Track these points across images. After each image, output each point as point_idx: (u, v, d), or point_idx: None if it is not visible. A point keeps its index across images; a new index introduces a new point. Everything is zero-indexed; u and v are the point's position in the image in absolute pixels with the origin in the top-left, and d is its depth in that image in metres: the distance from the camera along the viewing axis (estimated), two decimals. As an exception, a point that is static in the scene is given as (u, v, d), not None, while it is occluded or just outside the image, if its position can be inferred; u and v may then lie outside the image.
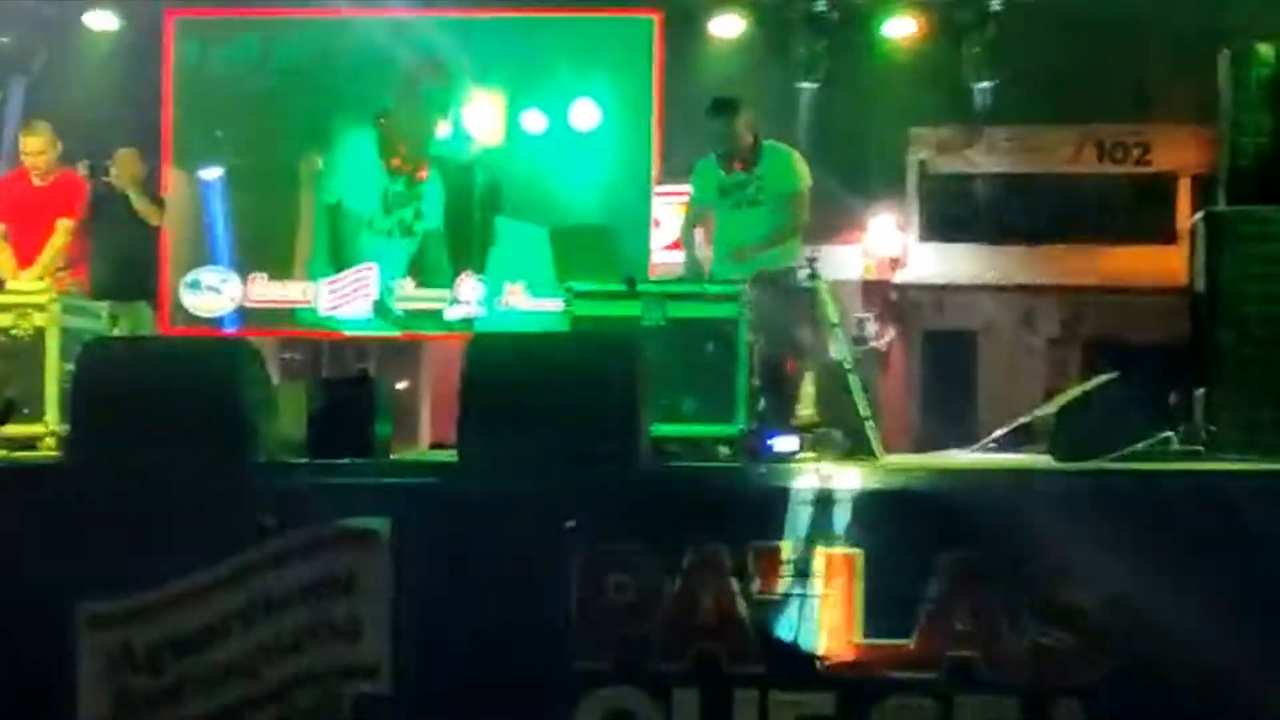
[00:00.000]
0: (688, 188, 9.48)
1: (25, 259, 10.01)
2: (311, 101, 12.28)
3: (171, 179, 12.21)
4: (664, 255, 11.83)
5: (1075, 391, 8.26)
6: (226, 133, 12.32)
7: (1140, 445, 7.50)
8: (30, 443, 8.61)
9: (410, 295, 12.10)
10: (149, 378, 7.24)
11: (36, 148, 10.15)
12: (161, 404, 7.12)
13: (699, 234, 9.41)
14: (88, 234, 10.24)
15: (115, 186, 10.61)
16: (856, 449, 8.41)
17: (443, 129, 12.14)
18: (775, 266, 8.85)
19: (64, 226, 10.00)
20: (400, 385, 13.16)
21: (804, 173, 9.04)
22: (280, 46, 12.39)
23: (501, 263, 11.99)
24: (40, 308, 8.98)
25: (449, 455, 7.38)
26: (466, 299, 12.00)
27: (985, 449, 9.48)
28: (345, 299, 12.12)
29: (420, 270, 12.10)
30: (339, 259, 12.19)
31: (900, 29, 12.15)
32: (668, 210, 12.33)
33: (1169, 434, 7.78)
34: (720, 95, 9.23)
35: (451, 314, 12.04)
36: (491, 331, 11.07)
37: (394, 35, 12.23)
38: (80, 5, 12.46)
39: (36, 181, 10.13)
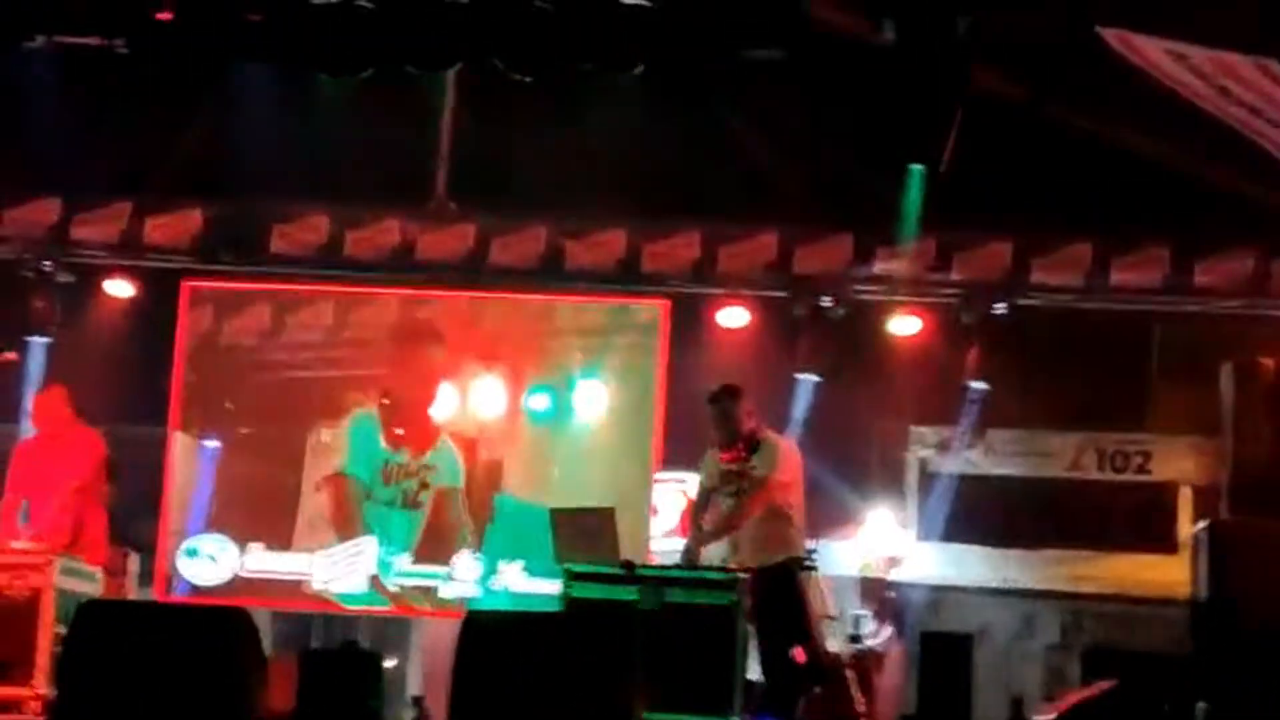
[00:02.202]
0: (688, 474, 9.53)
1: (35, 519, 9.93)
2: (320, 374, 12.39)
3: (177, 445, 12.26)
4: (662, 542, 11.82)
5: (1074, 699, 8.19)
6: (235, 401, 12.41)
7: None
8: (16, 705, 8.50)
9: (406, 571, 12.06)
10: (143, 644, 7.19)
11: (47, 407, 10.19)
12: (154, 671, 7.07)
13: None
14: (99, 496, 10.20)
15: None
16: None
17: (449, 404, 12.21)
18: (775, 558, 8.84)
19: (68, 484, 9.96)
20: (389, 662, 13.02)
21: (783, 463, 9.08)
22: (292, 319, 12.55)
23: (499, 541, 11.97)
24: (37, 568, 8.95)
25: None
26: (462, 576, 11.95)
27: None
28: (342, 572, 12.06)
29: (424, 541, 12.04)
30: (340, 529, 12.16)
31: (905, 327, 12.29)
32: (667, 496, 12.35)
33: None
34: (723, 384, 9.35)
35: (446, 591, 11.98)
36: (487, 610, 11.00)
37: (403, 311, 12.42)
38: (100, 271, 12.64)
39: (50, 442, 10.12)
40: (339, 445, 12.29)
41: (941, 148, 8.53)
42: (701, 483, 9.43)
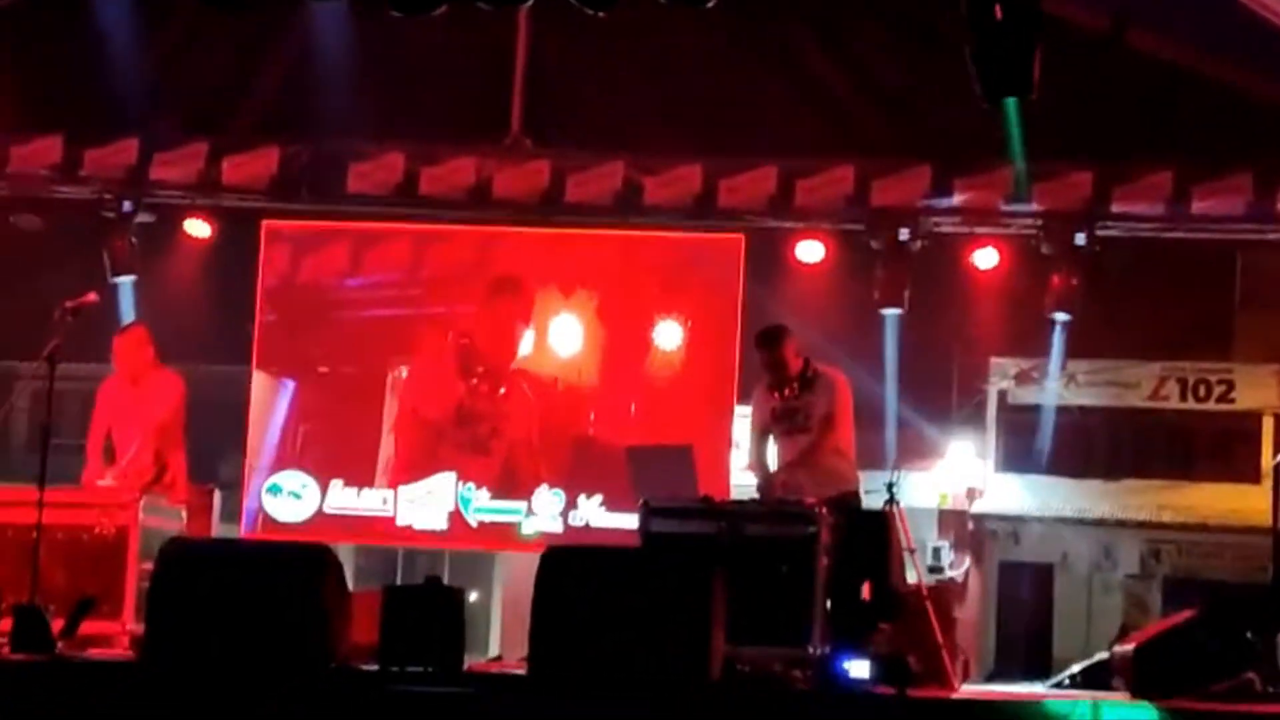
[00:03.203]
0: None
1: (120, 458, 10.07)
2: (397, 312, 12.44)
3: (257, 383, 12.37)
4: (742, 476, 11.83)
5: (1155, 629, 8.16)
6: (313, 340, 12.49)
7: (1221, 685, 7.37)
8: (106, 640, 8.63)
9: (486, 507, 12.13)
10: (227, 580, 7.29)
11: (127, 348, 10.29)
12: (238, 606, 7.17)
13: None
14: (180, 435, 10.31)
15: None
16: (930, 677, 8.30)
17: (526, 343, 12.25)
18: (831, 493, 8.84)
19: (151, 422, 10.08)
20: (472, 596, 13.13)
21: (841, 398, 9.07)
22: (369, 257, 12.60)
23: (578, 476, 12.01)
24: (123, 506, 9.07)
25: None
26: (542, 512, 12.02)
27: (1061, 683, 9.34)
28: (422, 508, 12.15)
29: (497, 482, 12.13)
30: (417, 467, 12.25)
31: (985, 259, 12.20)
32: (745, 432, 12.35)
33: (1250, 676, 7.65)
34: (766, 326, 9.36)
35: (526, 526, 12.06)
36: (567, 546, 11.06)
37: (480, 249, 12.44)
38: (179, 211, 12.72)
39: (132, 383, 10.23)
40: (416, 384, 12.35)
41: (1028, 78, 8.43)
42: (754, 422, 9.44)
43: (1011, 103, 10.10)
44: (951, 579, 12.58)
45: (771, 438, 9.25)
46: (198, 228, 12.76)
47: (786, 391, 9.12)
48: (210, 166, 12.52)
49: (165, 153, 12.53)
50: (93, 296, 9.34)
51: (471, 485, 12.10)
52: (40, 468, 8.65)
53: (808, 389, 9.09)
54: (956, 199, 11.98)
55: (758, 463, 9.32)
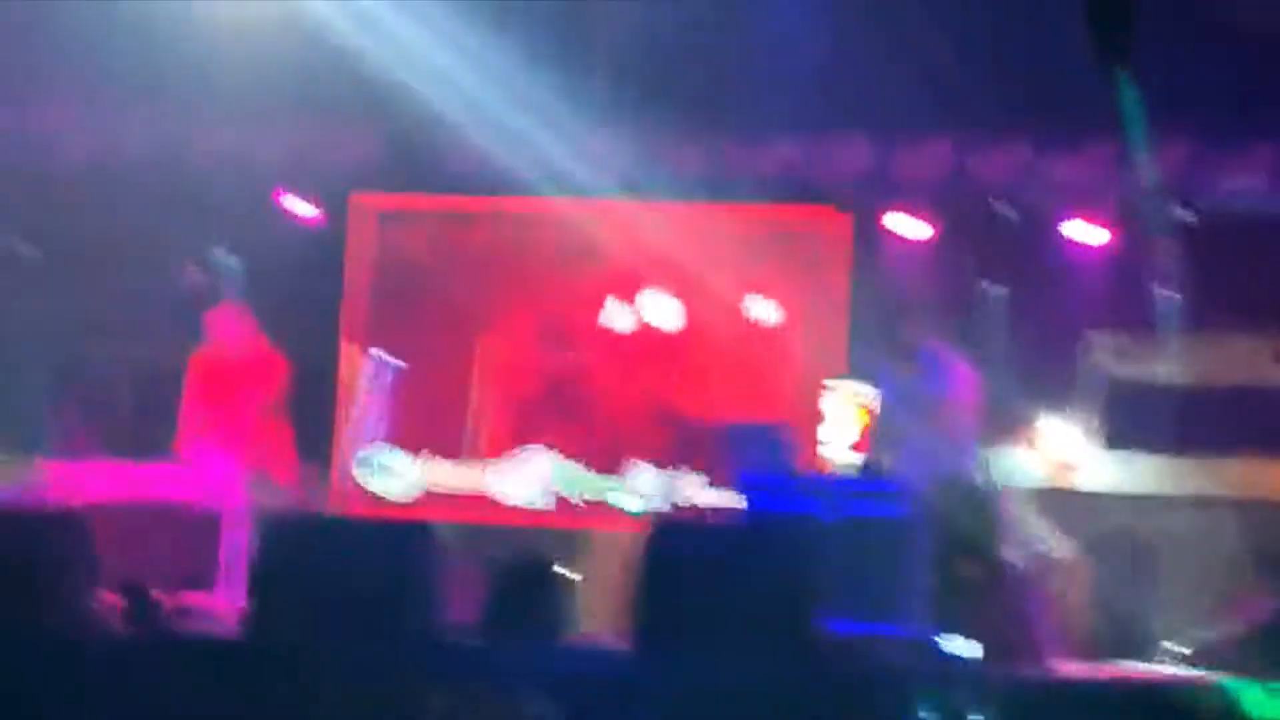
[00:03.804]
0: (865, 387, 9.49)
1: (221, 435, 10.14)
2: (486, 286, 12.45)
3: (349, 360, 12.41)
4: (841, 454, 11.77)
5: (1261, 608, 8.06)
6: (407, 317, 12.52)
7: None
8: (210, 616, 8.70)
9: (584, 482, 12.14)
10: (329, 556, 7.32)
11: (224, 324, 10.35)
12: (340, 582, 7.20)
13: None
14: (283, 413, 10.36)
15: None
16: (1032, 655, 8.24)
17: (621, 317, 12.21)
18: (954, 468, 8.79)
19: (256, 402, 10.13)
20: (569, 571, 13.14)
21: (960, 376, 9.03)
22: (463, 230, 12.63)
23: (677, 453, 11.99)
24: (226, 483, 9.13)
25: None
26: (641, 488, 12.01)
27: (1164, 662, 9.25)
28: (519, 484, 12.17)
29: (593, 454, 12.13)
30: (512, 443, 12.26)
31: (1087, 233, 12.07)
32: (846, 409, 12.27)
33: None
34: (895, 300, 9.32)
35: (626, 503, 12.05)
36: (668, 521, 11.04)
37: (570, 224, 12.41)
38: (278, 189, 12.77)
39: (229, 358, 10.28)
40: (505, 358, 12.37)
41: (1129, 49, 8.32)
42: (880, 396, 9.41)
43: (1122, 73, 9.98)
44: (1050, 557, 12.43)
45: (891, 412, 9.21)
46: (294, 205, 12.83)
47: (905, 366, 9.09)
48: (307, 144, 12.56)
49: (260, 129, 12.59)
50: (192, 272, 9.41)
51: (569, 461, 12.11)
52: (144, 445, 8.72)
53: (928, 366, 9.05)
54: (1058, 172, 11.85)
55: (875, 434, 9.30)
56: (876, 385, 9.33)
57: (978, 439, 9.28)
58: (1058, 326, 12.88)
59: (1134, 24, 8.26)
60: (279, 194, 12.79)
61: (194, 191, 12.61)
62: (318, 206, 12.81)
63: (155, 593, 8.22)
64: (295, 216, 12.86)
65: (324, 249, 12.73)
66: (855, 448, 11.03)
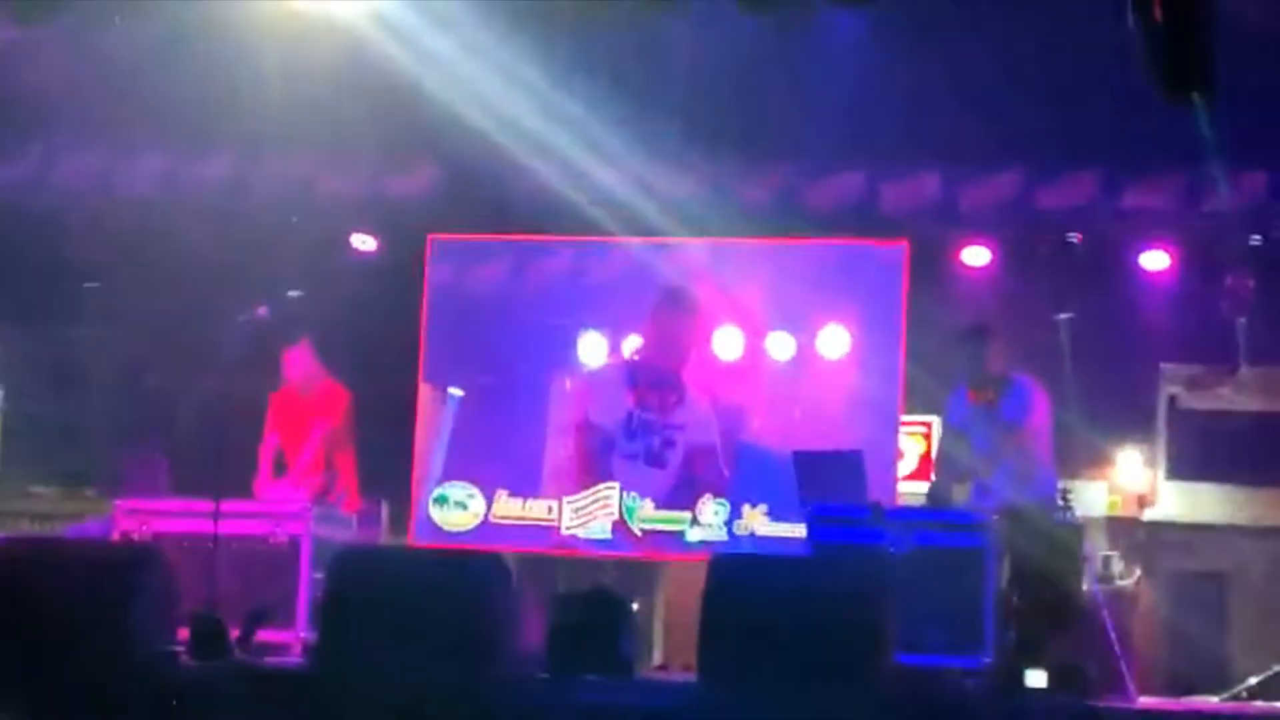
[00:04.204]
0: (929, 417, 9.46)
1: (293, 469, 10.25)
2: (562, 320, 12.49)
3: (423, 395, 12.48)
4: (905, 485, 11.74)
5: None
6: (479, 351, 12.57)
7: None
8: (280, 648, 8.75)
9: (651, 516, 12.14)
10: (398, 588, 7.35)
11: (296, 362, 10.45)
12: (409, 615, 7.22)
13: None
14: (349, 445, 10.45)
15: None
16: (1109, 687, 8.18)
17: (692, 352, 12.23)
18: (1025, 501, 8.74)
19: (319, 430, 10.24)
20: (637, 604, 13.14)
21: (1034, 406, 8.97)
22: (532, 267, 12.68)
23: (743, 485, 11.98)
24: (295, 517, 9.20)
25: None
26: (707, 521, 12.00)
27: (1239, 696, 9.15)
28: (587, 517, 12.20)
29: (669, 494, 12.12)
30: (584, 477, 12.28)
31: (1154, 262, 12.00)
32: (907, 440, 12.24)
33: None
34: (975, 321, 9.25)
35: (691, 535, 12.05)
36: (734, 554, 11.02)
37: (645, 258, 12.43)
38: (346, 226, 12.90)
39: (300, 394, 10.41)
40: (583, 394, 12.39)
41: (1209, 76, 8.27)
42: (946, 424, 9.37)
43: (1198, 101, 9.92)
44: (1122, 588, 12.34)
45: (964, 440, 9.17)
46: (364, 241, 12.94)
47: (982, 394, 9.03)
48: (375, 181, 12.66)
49: (331, 168, 12.70)
50: (263, 310, 9.51)
51: (636, 494, 12.12)
52: (215, 480, 8.80)
53: (1003, 393, 9.00)
54: (1125, 201, 11.79)
55: (943, 462, 9.25)
56: (945, 415, 9.29)
57: (1048, 469, 9.22)
58: (1128, 356, 12.80)
59: (1212, 52, 8.21)
60: (350, 232, 12.91)
61: (266, 231, 12.75)
62: (388, 243, 12.91)
63: (229, 625, 8.29)
64: (365, 253, 12.97)
65: (394, 285, 12.81)
66: (923, 478, 10.99)
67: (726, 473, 12.05)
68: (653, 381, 12.30)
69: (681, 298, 12.23)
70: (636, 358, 12.32)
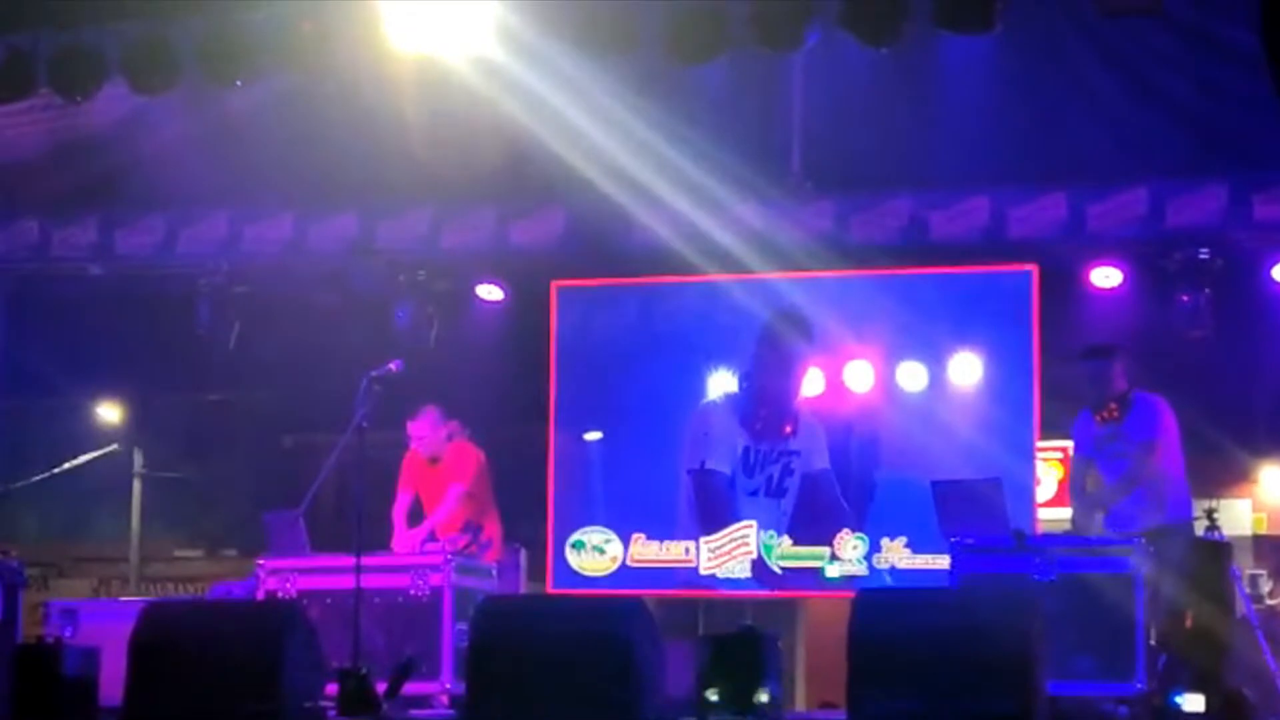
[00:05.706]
0: (1063, 442, 9.35)
1: (430, 525, 10.30)
2: (688, 361, 12.48)
3: (556, 442, 12.51)
4: (1044, 512, 11.60)
5: None
6: (608, 396, 12.59)
7: None
8: (426, 701, 8.78)
9: (789, 553, 12.07)
10: (543, 636, 7.35)
11: (422, 431, 10.52)
12: (555, 662, 7.22)
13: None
14: (489, 499, 10.49)
15: None
16: (1268, 711, 8.00)
17: (816, 383, 12.16)
18: (1159, 523, 8.60)
19: (454, 492, 10.29)
20: (782, 643, 13.07)
21: (1162, 425, 8.83)
22: (658, 309, 12.69)
23: (880, 518, 11.89)
24: (436, 569, 9.24)
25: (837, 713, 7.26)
26: (846, 556, 11.91)
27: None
28: (725, 557, 12.15)
29: (798, 522, 12.05)
30: (711, 521, 12.23)
31: (1290, 275, 11.79)
32: (1046, 466, 12.09)
33: None
34: (1098, 341, 9.15)
35: (831, 571, 11.96)
36: (879, 588, 10.93)
37: (768, 295, 12.38)
38: (471, 276, 12.99)
39: (429, 461, 10.49)
40: (703, 434, 12.35)
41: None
42: (1076, 454, 9.25)
43: None
44: (1274, 606, 12.10)
45: (1093, 463, 9.05)
46: (489, 292, 13.02)
47: (1107, 414, 8.91)
48: (499, 231, 12.74)
49: (453, 220, 12.79)
50: (396, 365, 9.57)
51: (773, 532, 12.06)
52: (355, 535, 8.86)
53: (1129, 412, 8.88)
54: (1256, 213, 11.60)
55: (1076, 489, 9.13)
56: (1083, 439, 9.15)
57: (1182, 486, 9.06)
58: (1266, 372, 12.60)
59: None
60: (476, 283, 12.99)
61: (392, 286, 12.87)
62: (515, 292, 12.98)
63: (374, 680, 8.33)
64: (492, 302, 13.05)
65: (522, 333, 12.87)
66: (1062, 504, 10.84)
67: (853, 498, 11.95)
68: (763, 410, 12.23)
69: (789, 321, 12.16)
70: (748, 388, 12.25)
